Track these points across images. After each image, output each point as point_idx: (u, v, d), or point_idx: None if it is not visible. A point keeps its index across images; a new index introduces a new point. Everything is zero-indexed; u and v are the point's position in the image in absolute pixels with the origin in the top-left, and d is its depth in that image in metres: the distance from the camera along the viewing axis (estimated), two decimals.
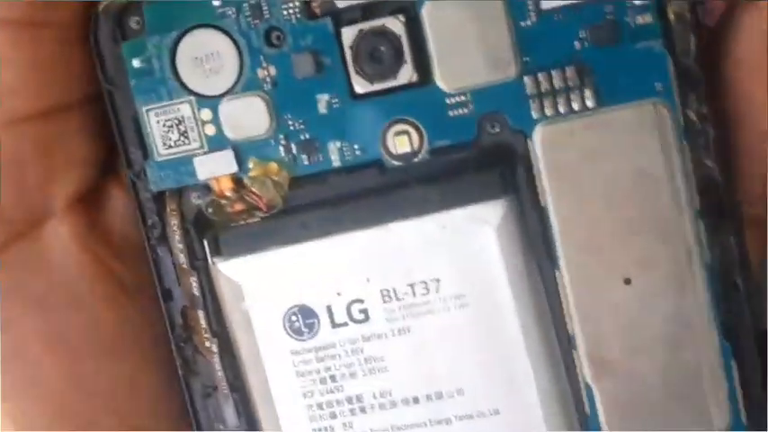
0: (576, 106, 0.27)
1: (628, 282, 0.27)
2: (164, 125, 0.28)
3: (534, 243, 0.28)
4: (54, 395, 0.29)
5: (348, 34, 0.27)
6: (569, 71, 0.26)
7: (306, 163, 0.28)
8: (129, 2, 0.28)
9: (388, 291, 0.28)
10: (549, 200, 0.27)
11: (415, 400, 0.29)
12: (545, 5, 0.26)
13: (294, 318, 0.29)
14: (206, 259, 0.29)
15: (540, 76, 0.27)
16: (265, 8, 0.27)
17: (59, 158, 0.28)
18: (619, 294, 0.27)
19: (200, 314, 0.30)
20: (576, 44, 0.26)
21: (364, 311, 0.29)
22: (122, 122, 0.28)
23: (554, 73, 0.26)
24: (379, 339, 0.29)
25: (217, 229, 0.29)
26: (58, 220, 0.28)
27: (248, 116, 0.28)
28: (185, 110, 0.28)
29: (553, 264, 0.28)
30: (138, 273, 0.30)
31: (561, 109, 0.27)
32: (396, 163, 0.28)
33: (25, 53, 0.26)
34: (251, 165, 0.28)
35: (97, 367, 0.29)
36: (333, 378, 0.29)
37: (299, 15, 0.27)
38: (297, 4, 0.27)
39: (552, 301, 0.28)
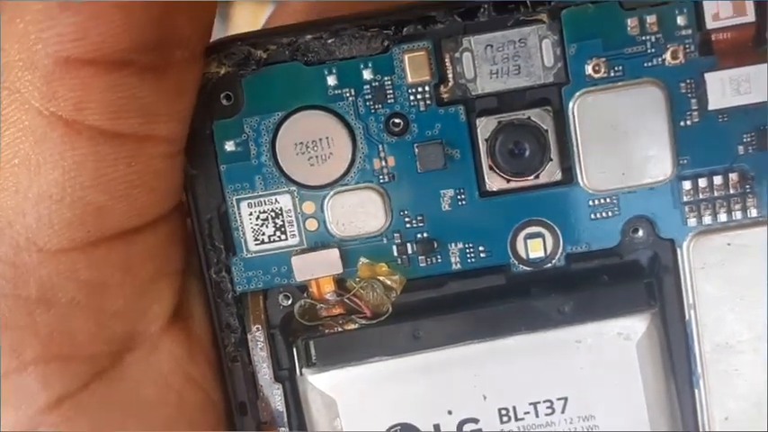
0: (736, 216, 0.27)
1: None
2: (257, 218, 0.28)
3: (674, 359, 0.29)
4: None
5: (485, 125, 0.27)
6: (732, 177, 0.27)
7: (422, 265, 0.28)
8: (225, 74, 0.27)
9: (507, 410, 0.29)
10: (696, 314, 0.28)
11: None
12: (712, 106, 0.27)
13: None
14: (293, 370, 0.29)
15: (700, 181, 0.27)
16: (390, 92, 0.27)
17: (147, 276, 0.26)
18: (763, 416, 0.29)
19: None
20: (740, 149, 0.27)
21: None
22: (203, 214, 0.28)
23: (715, 179, 0.27)
24: None
25: (308, 336, 0.29)
26: (149, 347, 0.27)
27: (359, 211, 0.28)
28: (284, 201, 0.28)
29: (693, 382, 0.29)
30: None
31: (720, 218, 0.28)
32: (525, 268, 0.28)
33: (123, 169, 0.24)
34: (358, 266, 0.28)
35: None
36: None
37: (428, 101, 0.27)
38: (426, 88, 0.27)
39: (687, 419, 0.29)
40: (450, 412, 0.29)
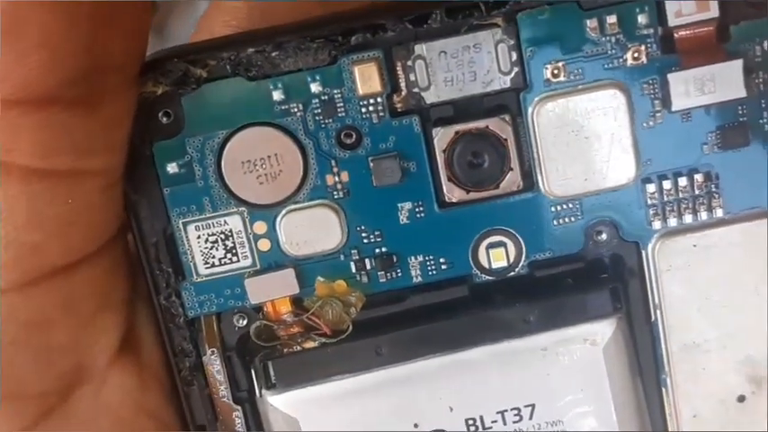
0: (702, 217, 0.27)
1: (741, 399, 0.29)
2: (206, 241, 0.27)
3: (641, 360, 0.29)
4: None
5: (441, 136, 0.26)
6: (697, 178, 0.27)
7: (381, 280, 0.28)
8: (163, 93, 0.25)
9: (474, 420, 0.29)
10: (662, 316, 0.28)
11: None
12: (676, 107, 0.26)
13: None
14: (252, 391, 0.28)
15: (665, 183, 0.27)
16: (340, 104, 0.26)
17: (90, 310, 0.26)
18: (731, 413, 0.29)
19: None
20: (705, 148, 0.27)
21: None
22: (149, 238, 0.27)
23: (679, 180, 0.27)
24: None
25: (266, 357, 0.28)
26: (98, 381, 0.26)
27: (313, 229, 0.27)
28: (234, 222, 0.27)
29: (659, 380, 0.29)
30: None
31: (685, 219, 0.27)
32: (488, 278, 0.28)
33: (58, 207, 0.23)
34: (315, 284, 0.27)
35: None
36: None
37: (381, 113, 0.26)
38: (379, 100, 0.26)
39: (656, 418, 0.29)
40: (416, 425, 0.28)
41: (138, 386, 0.27)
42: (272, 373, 0.28)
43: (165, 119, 0.26)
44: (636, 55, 0.26)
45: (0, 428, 0.25)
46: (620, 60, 0.26)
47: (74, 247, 0.24)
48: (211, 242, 0.26)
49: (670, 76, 0.26)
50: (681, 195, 0.27)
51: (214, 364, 0.28)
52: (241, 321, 0.28)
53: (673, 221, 0.27)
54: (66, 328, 0.25)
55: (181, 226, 0.26)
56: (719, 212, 0.27)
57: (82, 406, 0.26)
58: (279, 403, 0.28)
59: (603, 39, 0.26)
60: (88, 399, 0.26)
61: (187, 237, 0.26)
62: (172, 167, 0.26)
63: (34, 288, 0.24)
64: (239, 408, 0.28)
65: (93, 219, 0.24)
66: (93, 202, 0.24)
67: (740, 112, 0.26)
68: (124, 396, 0.27)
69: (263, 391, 0.28)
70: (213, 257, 0.27)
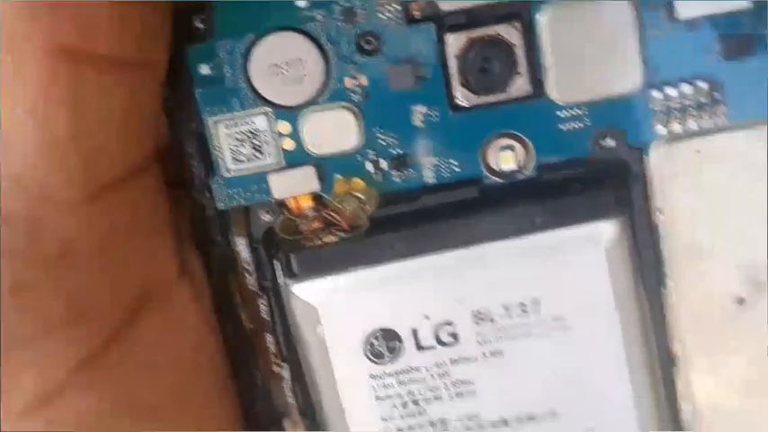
0: (706, 124, 0.29)
1: (741, 302, 0.31)
2: (234, 138, 0.29)
3: (642, 261, 0.30)
4: None
5: (454, 42, 0.28)
6: (701, 86, 0.28)
7: (396, 180, 0.30)
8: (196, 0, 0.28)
9: (480, 312, 0.31)
10: (663, 219, 0.30)
11: (505, 423, 0.32)
12: (682, 15, 0.27)
13: (375, 341, 0.31)
14: (276, 281, 0.31)
15: (670, 91, 0.28)
16: (360, 11, 0.28)
17: (155, 224, 0.27)
18: (731, 316, 0.31)
19: (269, 338, 0.32)
20: (709, 58, 0.28)
21: (454, 334, 0.31)
22: (183, 135, 0.29)
23: (683, 87, 0.28)
24: (469, 362, 0.31)
25: (289, 249, 0.30)
26: (165, 300, 0.28)
27: (333, 130, 0.29)
28: (260, 122, 0.29)
29: (660, 282, 0.31)
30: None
31: (689, 126, 0.29)
32: (497, 180, 0.30)
33: (126, 100, 0.24)
34: (334, 182, 0.30)
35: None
36: (415, 402, 0.32)
37: (398, 20, 0.28)
38: (396, 7, 0.28)
39: (656, 318, 0.31)
40: (426, 317, 0.30)
41: (197, 307, 0.29)
42: (294, 264, 0.30)
43: (201, 24, 0.28)
44: None
45: (77, 349, 0.25)
46: None
47: (136, 145, 0.26)
48: (239, 140, 0.29)
49: None
50: (686, 103, 0.28)
51: (242, 254, 0.30)
52: (267, 216, 0.30)
53: (677, 127, 0.29)
54: (135, 243, 0.26)
55: (212, 123, 0.28)
56: (723, 120, 0.28)
57: (150, 328, 0.27)
58: (299, 291, 0.30)
59: None
60: (156, 320, 0.27)
61: (217, 134, 0.29)
62: (204, 69, 0.28)
63: (107, 197, 0.25)
64: (264, 295, 0.31)
65: (150, 114, 0.26)
66: (151, 96, 0.26)
67: (745, 22, 0.27)
68: (186, 314, 0.29)
69: (286, 280, 0.30)
70: (241, 154, 0.29)
